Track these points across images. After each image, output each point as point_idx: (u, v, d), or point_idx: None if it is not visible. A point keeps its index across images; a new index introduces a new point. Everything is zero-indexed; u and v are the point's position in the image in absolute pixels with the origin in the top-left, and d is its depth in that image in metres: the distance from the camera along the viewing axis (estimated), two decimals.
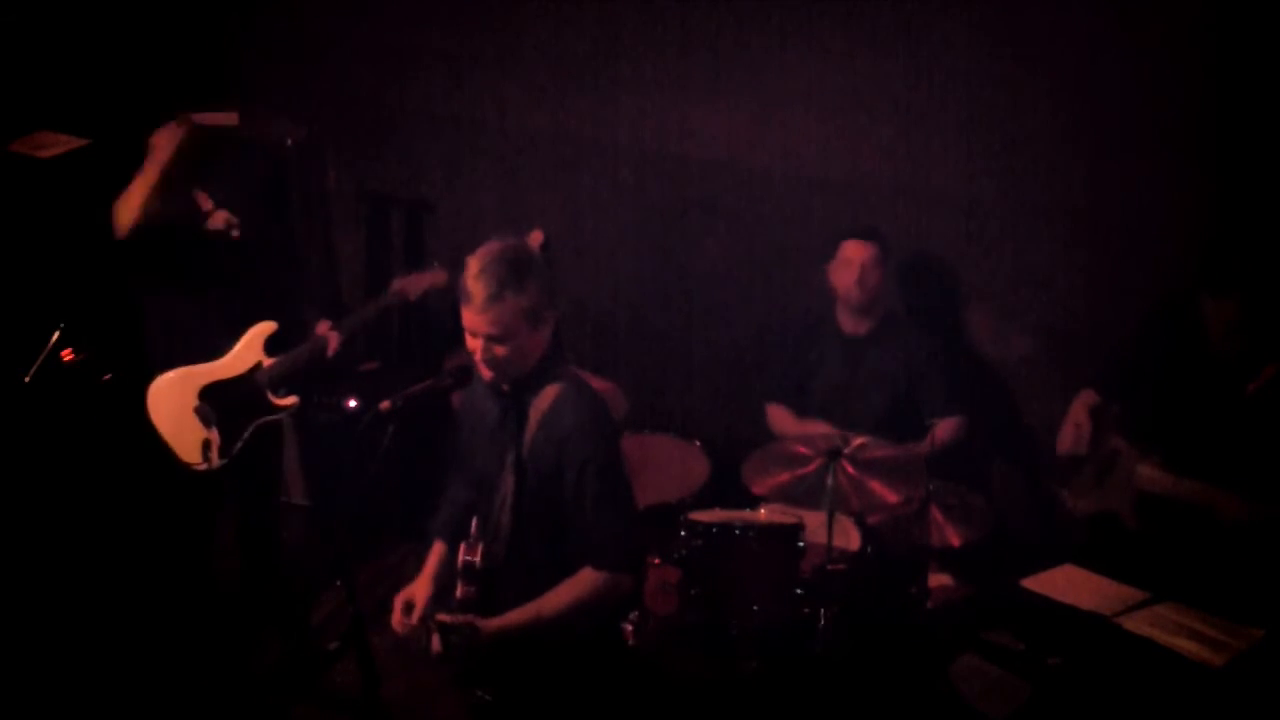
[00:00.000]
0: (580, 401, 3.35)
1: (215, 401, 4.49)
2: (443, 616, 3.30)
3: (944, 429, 4.59)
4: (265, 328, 4.52)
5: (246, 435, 4.50)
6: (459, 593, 3.41)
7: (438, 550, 3.64)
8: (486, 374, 3.31)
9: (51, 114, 5.73)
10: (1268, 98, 4.17)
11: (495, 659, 3.36)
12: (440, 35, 5.67)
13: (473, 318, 3.22)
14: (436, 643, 3.31)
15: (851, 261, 4.61)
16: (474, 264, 3.22)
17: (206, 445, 4.48)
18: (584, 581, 3.32)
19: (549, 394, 3.34)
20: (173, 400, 4.51)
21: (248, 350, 4.52)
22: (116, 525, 4.86)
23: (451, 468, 3.68)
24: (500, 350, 3.24)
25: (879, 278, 4.63)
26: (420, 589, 3.54)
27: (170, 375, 4.50)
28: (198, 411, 4.49)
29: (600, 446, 3.34)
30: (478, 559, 3.40)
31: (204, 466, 4.49)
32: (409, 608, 3.49)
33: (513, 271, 3.20)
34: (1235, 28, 4.18)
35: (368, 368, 5.46)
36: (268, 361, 4.51)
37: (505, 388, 3.35)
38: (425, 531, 4.56)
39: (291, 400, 4.55)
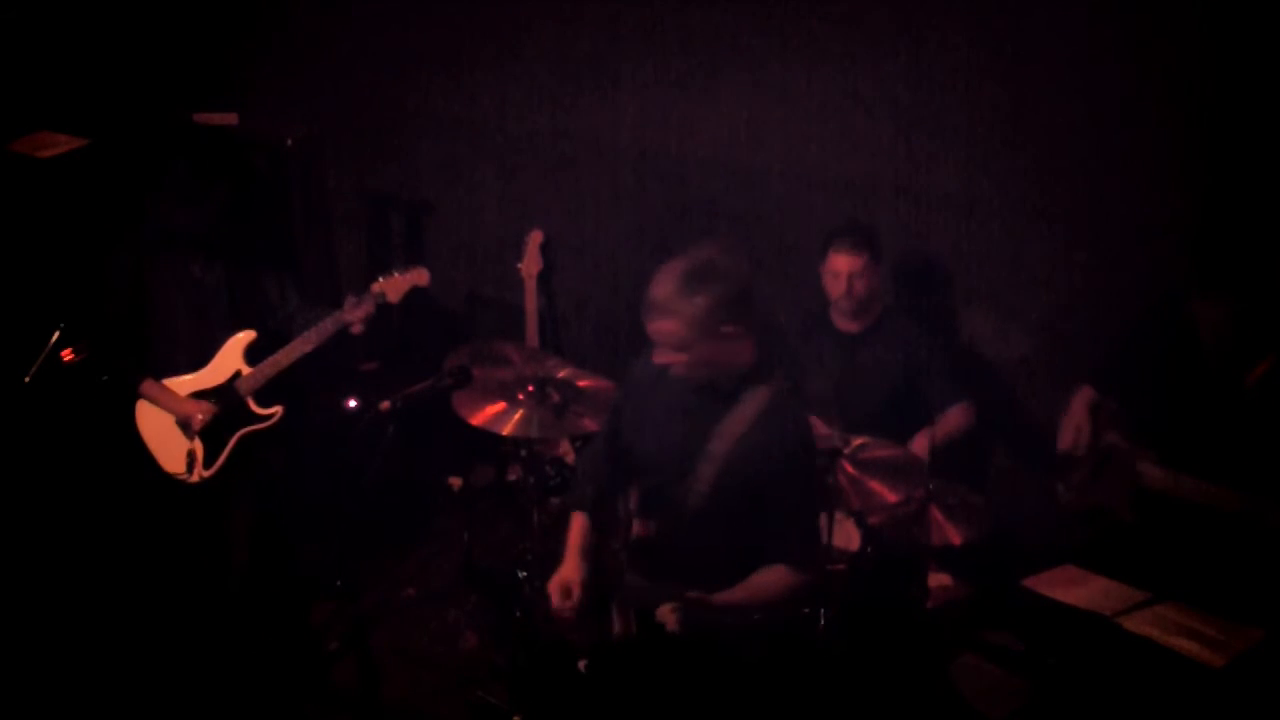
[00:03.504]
0: (792, 405, 3.46)
1: None
2: (690, 594, 3.33)
3: (954, 416, 4.59)
4: (245, 337, 4.53)
5: (231, 446, 4.51)
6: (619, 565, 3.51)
7: (580, 524, 3.64)
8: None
9: (51, 114, 5.73)
10: (1266, 99, 4.17)
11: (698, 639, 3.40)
12: (440, 35, 5.67)
13: (648, 326, 3.33)
14: (671, 613, 3.32)
15: (839, 274, 4.58)
16: (658, 273, 3.32)
17: (190, 457, 4.49)
18: (782, 577, 3.41)
19: (763, 395, 3.40)
20: (156, 412, 4.52)
21: (228, 360, 4.53)
22: (117, 526, 4.86)
23: (596, 442, 3.74)
24: (680, 358, 3.32)
25: (867, 285, 4.59)
26: (573, 571, 3.53)
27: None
28: (180, 423, 4.50)
29: (808, 454, 3.48)
30: (648, 534, 3.47)
31: (189, 478, 4.50)
32: (567, 592, 3.49)
33: (687, 280, 3.27)
34: (1234, 29, 4.18)
35: (368, 368, 5.45)
36: (248, 371, 4.52)
37: (702, 382, 3.41)
38: (417, 532, 4.52)
39: (276, 410, 4.55)
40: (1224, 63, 4.21)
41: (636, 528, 3.48)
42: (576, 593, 3.48)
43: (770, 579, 3.41)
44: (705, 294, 3.26)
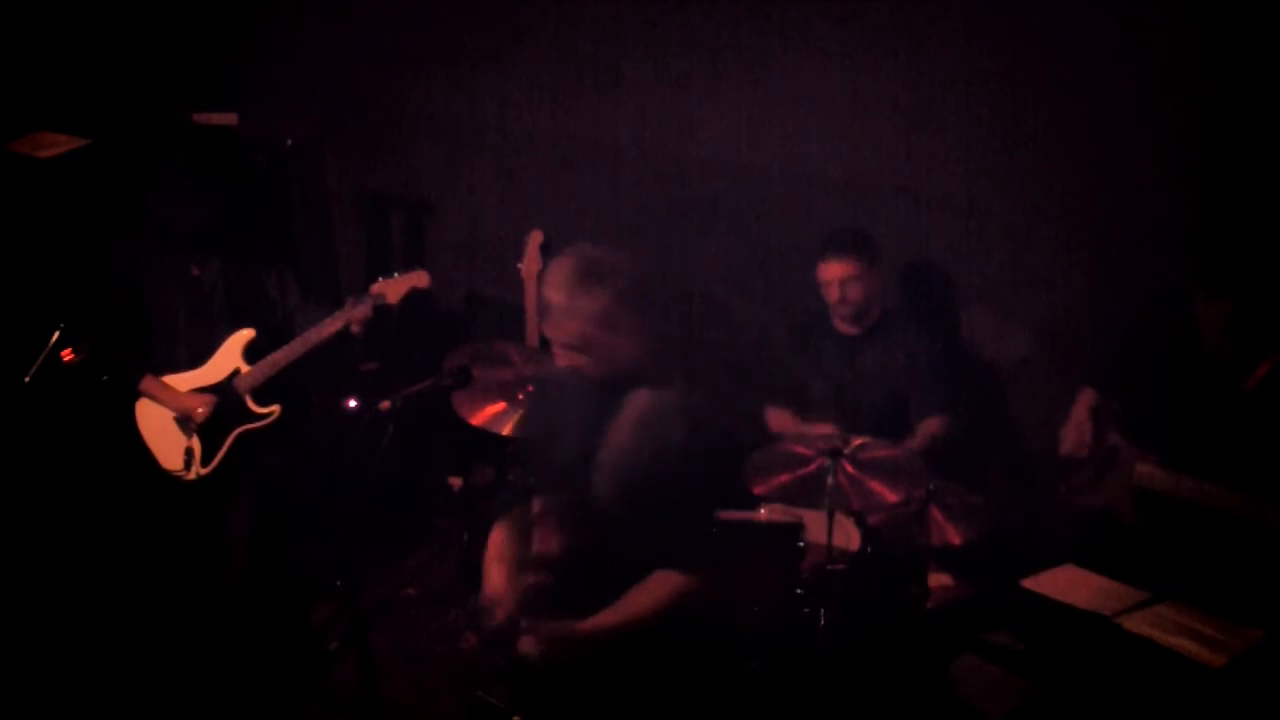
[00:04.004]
0: (680, 406, 3.32)
1: None
2: (552, 626, 3.24)
3: (928, 426, 4.59)
4: (245, 335, 4.53)
5: (228, 444, 4.51)
6: (532, 580, 3.38)
7: (500, 534, 3.56)
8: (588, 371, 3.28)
9: (51, 114, 5.73)
10: (1265, 99, 4.17)
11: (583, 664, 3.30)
12: (440, 35, 5.67)
13: (548, 328, 3.22)
14: (533, 646, 3.24)
15: (831, 282, 4.57)
16: (548, 274, 3.22)
17: (189, 454, 4.49)
18: (670, 581, 3.27)
19: (646, 396, 3.29)
20: (154, 409, 4.52)
21: (226, 357, 4.53)
22: (117, 526, 4.86)
23: (516, 453, 3.66)
24: (581, 360, 3.22)
25: (863, 290, 4.57)
26: (498, 577, 3.46)
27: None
28: (178, 420, 4.50)
29: (696, 451, 3.32)
30: (554, 550, 3.37)
31: (187, 475, 4.51)
32: (494, 602, 3.41)
33: (582, 278, 3.17)
34: (1234, 29, 4.18)
35: (368, 368, 5.46)
36: (246, 369, 4.52)
37: (598, 383, 3.30)
38: (417, 532, 4.46)
39: (273, 409, 4.55)
40: (1224, 63, 4.21)
41: (542, 541, 3.39)
42: (507, 598, 3.39)
43: (651, 588, 3.26)
44: (604, 291, 3.17)
